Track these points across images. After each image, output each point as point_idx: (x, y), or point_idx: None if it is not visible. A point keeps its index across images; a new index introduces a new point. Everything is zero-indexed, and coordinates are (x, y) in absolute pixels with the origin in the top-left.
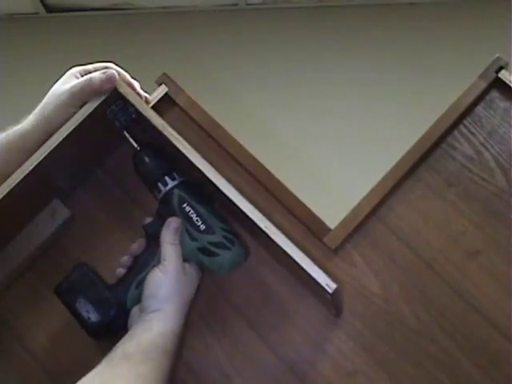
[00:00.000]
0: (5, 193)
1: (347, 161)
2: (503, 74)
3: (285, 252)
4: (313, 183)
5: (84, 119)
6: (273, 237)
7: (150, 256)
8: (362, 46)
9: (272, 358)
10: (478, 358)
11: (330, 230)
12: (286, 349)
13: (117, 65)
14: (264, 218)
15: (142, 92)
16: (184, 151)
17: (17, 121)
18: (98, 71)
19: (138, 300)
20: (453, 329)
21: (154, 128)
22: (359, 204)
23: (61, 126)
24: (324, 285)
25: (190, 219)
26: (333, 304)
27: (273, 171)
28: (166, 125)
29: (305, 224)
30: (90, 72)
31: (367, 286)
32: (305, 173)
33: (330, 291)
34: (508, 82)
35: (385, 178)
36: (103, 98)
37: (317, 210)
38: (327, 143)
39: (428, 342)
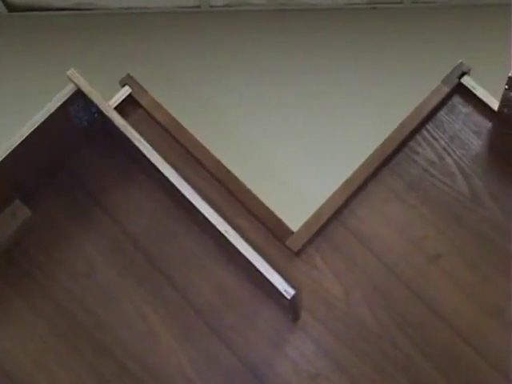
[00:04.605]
0: None
1: (310, 164)
2: (465, 80)
3: (244, 257)
4: (276, 186)
5: (45, 119)
6: (232, 241)
7: None
8: (323, 49)
9: (233, 361)
10: (439, 362)
11: (292, 232)
12: (247, 352)
13: (79, 65)
14: (224, 222)
15: None
16: (145, 152)
17: None
18: None
19: None
20: (414, 333)
21: (115, 128)
22: (321, 207)
23: None
24: (282, 291)
25: None
26: (291, 309)
27: (236, 174)
28: (127, 125)
29: (267, 227)
30: None
31: (329, 289)
32: (268, 176)
33: (289, 297)
34: (470, 88)
35: (347, 182)
36: (65, 98)
37: (279, 213)
38: (291, 146)
39: (389, 345)
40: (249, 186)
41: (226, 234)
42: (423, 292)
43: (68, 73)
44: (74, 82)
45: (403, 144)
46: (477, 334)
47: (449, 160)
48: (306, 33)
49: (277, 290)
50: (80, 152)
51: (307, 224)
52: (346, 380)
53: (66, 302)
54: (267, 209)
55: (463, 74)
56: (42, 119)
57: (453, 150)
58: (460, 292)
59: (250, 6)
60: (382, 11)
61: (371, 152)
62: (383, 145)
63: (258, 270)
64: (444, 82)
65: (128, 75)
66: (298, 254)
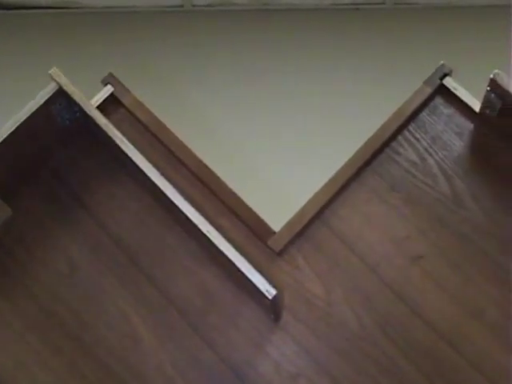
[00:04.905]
0: None
1: (292, 164)
2: (447, 81)
3: (226, 257)
4: (258, 186)
5: (27, 118)
6: (214, 241)
7: None
8: (306, 48)
9: (215, 361)
10: (420, 362)
11: (274, 232)
12: (229, 352)
13: (62, 64)
14: (206, 222)
15: None
16: (127, 152)
17: None
18: None
19: None
20: (395, 334)
21: (98, 127)
22: (304, 207)
23: None
24: (264, 291)
25: None
26: (272, 309)
27: (219, 173)
28: (109, 125)
29: (249, 227)
30: None
31: (311, 289)
32: (250, 175)
33: (270, 297)
34: (452, 89)
35: (329, 182)
36: (47, 96)
37: (262, 213)
38: (273, 146)
39: (371, 346)
40: (231, 185)
41: (207, 234)
42: (405, 292)
43: (50, 71)
44: (56, 81)
45: (385, 145)
46: (458, 334)
47: (430, 161)
48: (289, 33)
49: (258, 290)
50: (62, 151)
51: (289, 224)
52: (327, 380)
53: (48, 302)
54: (249, 209)
55: (445, 75)
56: (24, 118)
57: (435, 151)
58: (442, 293)
59: (233, 5)
60: (365, 12)
61: (354, 152)
62: (365, 145)
63: (239, 270)
64: (426, 83)
65: (110, 74)
66: (279, 253)
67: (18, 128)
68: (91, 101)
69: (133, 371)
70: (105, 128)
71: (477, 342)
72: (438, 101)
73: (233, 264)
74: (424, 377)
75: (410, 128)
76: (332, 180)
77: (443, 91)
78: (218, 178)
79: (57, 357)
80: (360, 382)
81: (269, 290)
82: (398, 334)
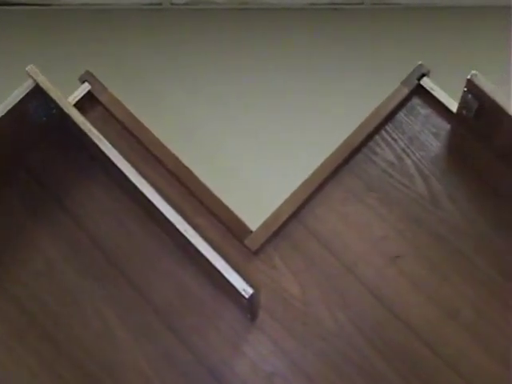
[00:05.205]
0: None
1: (270, 163)
2: (425, 82)
3: (203, 256)
4: (235, 185)
5: (3, 116)
6: (191, 240)
7: None
8: (285, 47)
9: (191, 361)
10: (396, 362)
11: (251, 231)
12: (205, 351)
13: (39, 61)
14: (183, 221)
15: None
16: (104, 150)
17: None
18: None
19: None
20: (372, 333)
21: (74, 125)
22: (280, 206)
23: None
24: (241, 290)
25: None
26: (249, 308)
27: (196, 173)
28: (86, 122)
29: (226, 226)
30: None
31: (287, 288)
32: (227, 175)
33: (247, 296)
34: (429, 90)
35: (306, 181)
36: (24, 94)
37: (239, 212)
38: (250, 145)
39: (347, 345)
40: (208, 184)
41: (185, 233)
42: (381, 292)
43: (27, 69)
44: (32, 78)
45: (362, 145)
46: (435, 334)
47: (408, 161)
48: (268, 32)
49: (235, 289)
50: (39, 149)
51: (266, 223)
52: (303, 379)
53: (25, 301)
54: (226, 208)
55: (423, 75)
56: (0, 115)
57: (412, 152)
58: (418, 293)
59: (211, 4)
60: (343, 12)
61: (331, 152)
62: (343, 145)
63: (216, 269)
64: (403, 83)
65: (87, 72)
66: (256, 253)
67: None
68: (68, 98)
69: (109, 371)
70: (82, 126)
71: (453, 342)
72: (416, 101)
73: (210, 263)
74: (400, 376)
75: (388, 128)
76: (309, 179)
77: (420, 91)
78: (195, 177)
79: (33, 356)
80: (335, 380)
81: (246, 290)
82: (374, 333)
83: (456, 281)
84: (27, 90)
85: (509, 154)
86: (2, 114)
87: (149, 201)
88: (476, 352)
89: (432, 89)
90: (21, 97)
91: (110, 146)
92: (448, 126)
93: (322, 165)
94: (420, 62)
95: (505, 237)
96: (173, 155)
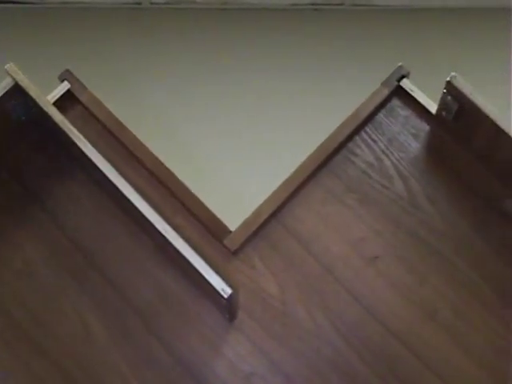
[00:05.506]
0: None
1: (249, 163)
2: (404, 83)
3: (182, 256)
4: (215, 185)
5: None
6: (171, 240)
7: None
8: (265, 48)
9: (170, 361)
10: (375, 362)
11: (230, 231)
12: (184, 351)
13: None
14: (162, 221)
15: None
16: (84, 150)
17: None
18: None
19: None
20: (350, 334)
21: (54, 124)
22: (260, 207)
23: None
24: (220, 290)
25: None
26: (228, 308)
27: (176, 172)
28: (66, 121)
29: (205, 226)
30: None
31: (266, 288)
32: (207, 175)
33: (226, 296)
34: (409, 91)
35: (286, 182)
36: (2, 92)
37: (218, 212)
38: (231, 145)
39: (325, 345)
40: (188, 184)
41: (164, 233)
42: (360, 293)
43: (6, 67)
44: (11, 77)
45: (342, 145)
46: (413, 335)
47: (387, 162)
48: (248, 32)
49: (214, 289)
50: (18, 148)
51: (245, 223)
52: (281, 379)
53: (3, 300)
54: (206, 208)
55: (402, 76)
56: None
57: (391, 153)
58: (397, 293)
59: (192, 3)
60: (324, 13)
61: (311, 152)
62: (322, 146)
63: (195, 269)
64: (383, 84)
65: (67, 70)
66: (235, 253)
67: None
68: (47, 97)
69: (88, 372)
70: (61, 125)
71: (431, 343)
72: (395, 102)
73: (189, 263)
74: (378, 377)
75: (367, 129)
76: (288, 180)
77: (400, 93)
78: (175, 177)
79: (11, 355)
80: (313, 380)
81: (224, 289)
82: (352, 333)
83: (435, 282)
84: (6, 89)
85: (488, 155)
86: None
87: (128, 201)
88: (454, 353)
89: (412, 90)
90: None
91: (89, 145)
92: (427, 128)
93: (302, 165)
94: (400, 64)
95: (484, 238)
96: (153, 155)
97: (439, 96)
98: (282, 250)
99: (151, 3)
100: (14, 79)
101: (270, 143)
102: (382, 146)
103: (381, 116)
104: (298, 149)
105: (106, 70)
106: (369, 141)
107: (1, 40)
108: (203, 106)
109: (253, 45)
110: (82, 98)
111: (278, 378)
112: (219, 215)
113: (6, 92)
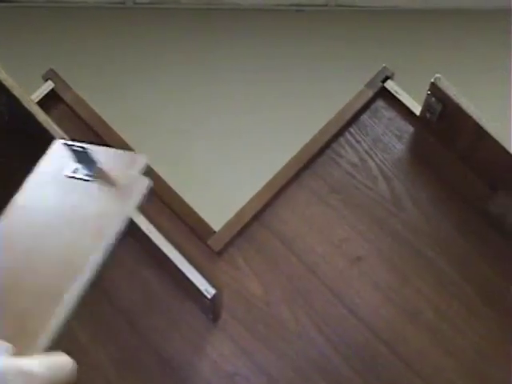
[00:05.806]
0: None
1: (233, 164)
2: (389, 84)
3: (166, 256)
4: (199, 186)
5: None
6: (154, 240)
7: None
8: (249, 48)
9: (155, 362)
10: (358, 363)
11: (214, 232)
12: (168, 351)
13: (1, 59)
14: (146, 221)
15: None
16: None
17: None
18: None
19: None
20: (333, 334)
21: (38, 124)
22: (243, 207)
23: None
24: (203, 290)
25: None
26: (211, 309)
27: (160, 173)
28: (49, 120)
29: (189, 226)
30: None
31: (249, 289)
32: (191, 175)
33: (209, 296)
34: (393, 92)
35: (270, 183)
36: None
37: (202, 213)
38: (213, 146)
39: (308, 345)
40: (172, 185)
41: (148, 233)
42: (343, 293)
43: None
44: None
45: (326, 146)
46: (395, 335)
47: (371, 163)
48: (232, 32)
49: (198, 289)
50: (0, 148)
51: (229, 224)
52: (264, 379)
53: None
54: (189, 208)
55: (387, 78)
56: None
57: (375, 154)
58: (379, 294)
59: (175, 3)
60: (308, 14)
61: (295, 153)
62: (306, 146)
63: (179, 270)
64: (368, 85)
65: (51, 70)
66: (219, 253)
67: None
68: (31, 96)
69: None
70: (44, 124)
71: (413, 343)
72: (379, 103)
73: (172, 263)
74: (360, 377)
75: (351, 130)
76: (272, 181)
77: (384, 94)
78: (159, 177)
79: None
80: (296, 380)
81: (208, 290)
82: (335, 334)
83: (418, 282)
84: None
85: (471, 156)
86: None
87: None
88: (435, 353)
89: (396, 91)
90: None
91: None
92: (411, 129)
93: (286, 166)
94: (384, 65)
95: (467, 239)
96: None
97: (423, 97)
98: (266, 251)
99: (135, 3)
100: None
101: (254, 144)
102: (366, 147)
103: (365, 117)
104: (285, 149)
105: (89, 69)
106: (353, 142)
107: None
108: (187, 105)
109: (236, 45)
110: (66, 98)
111: (261, 378)
112: (203, 216)
113: None
